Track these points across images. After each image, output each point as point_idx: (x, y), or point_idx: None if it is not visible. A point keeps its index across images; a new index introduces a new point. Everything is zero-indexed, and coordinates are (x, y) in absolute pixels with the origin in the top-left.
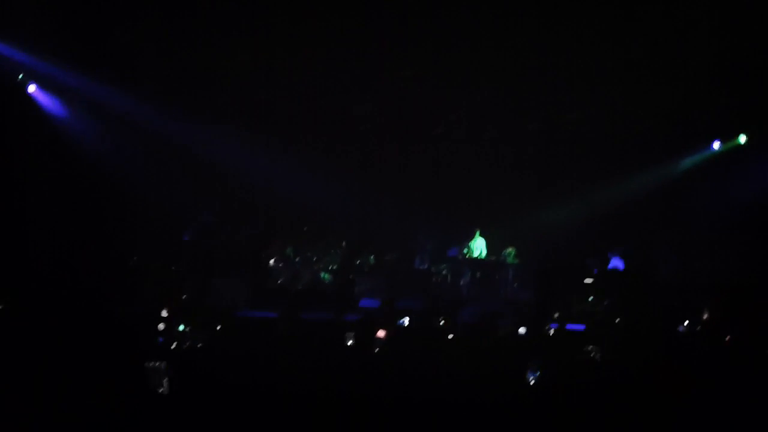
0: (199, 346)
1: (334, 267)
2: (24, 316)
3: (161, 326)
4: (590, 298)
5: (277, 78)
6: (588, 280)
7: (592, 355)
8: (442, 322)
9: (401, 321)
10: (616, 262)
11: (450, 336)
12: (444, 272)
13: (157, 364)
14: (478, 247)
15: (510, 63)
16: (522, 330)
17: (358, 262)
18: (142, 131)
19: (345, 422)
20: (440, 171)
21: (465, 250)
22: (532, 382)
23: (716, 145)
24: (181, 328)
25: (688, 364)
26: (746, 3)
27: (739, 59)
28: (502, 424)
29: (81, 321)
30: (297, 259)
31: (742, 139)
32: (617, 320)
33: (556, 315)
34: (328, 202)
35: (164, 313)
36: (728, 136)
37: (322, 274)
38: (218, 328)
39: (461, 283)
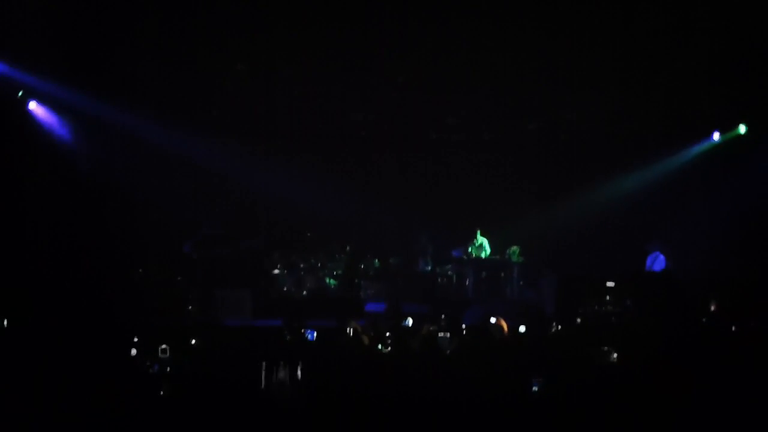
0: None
1: (339, 272)
2: (26, 330)
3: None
4: (608, 298)
5: (275, 87)
6: (609, 284)
7: (606, 356)
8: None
9: (405, 322)
10: (657, 257)
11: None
12: (449, 273)
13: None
14: (482, 246)
15: (506, 63)
16: (522, 328)
17: (362, 267)
18: (142, 143)
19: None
20: (440, 173)
21: (469, 250)
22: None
23: (716, 136)
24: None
25: (693, 366)
26: None
27: (736, 49)
28: (503, 425)
29: (85, 334)
30: (301, 266)
31: (742, 129)
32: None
33: (578, 320)
34: (330, 208)
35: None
36: (728, 127)
37: (327, 280)
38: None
39: (466, 283)
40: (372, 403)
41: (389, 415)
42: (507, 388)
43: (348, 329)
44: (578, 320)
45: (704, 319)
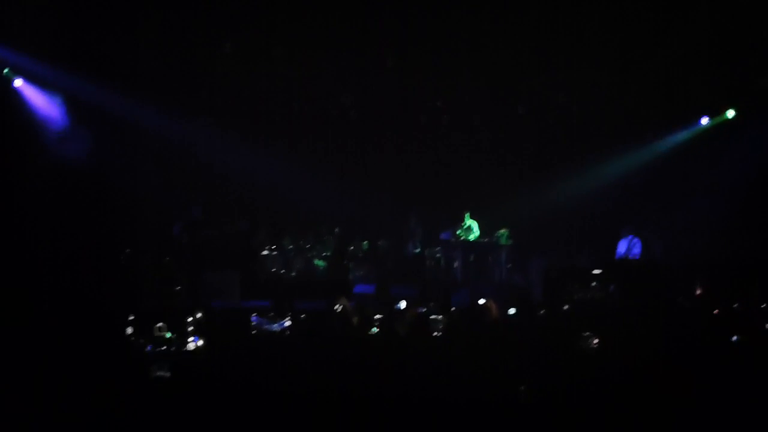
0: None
1: (328, 254)
2: (16, 314)
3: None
4: (593, 284)
5: (261, 71)
6: (596, 271)
7: (590, 342)
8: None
9: (397, 305)
10: (632, 241)
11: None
12: (437, 256)
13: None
14: (470, 229)
15: (495, 45)
16: (512, 311)
17: (351, 249)
18: (131, 126)
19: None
20: (429, 155)
21: (458, 232)
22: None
23: (704, 120)
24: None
25: (686, 361)
26: None
27: (726, 33)
28: (500, 420)
29: (75, 318)
30: (290, 248)
31: (730, 113)
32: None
33: (565, 307)
34: (319, 190)
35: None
36: (716, 112)
37: (315, 262)
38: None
39: (455, 266)
40: (362, 387)
41: (379, 397)
42: (497, 373)
43: (337, 307)
44: (565, 307)
45: (688, 304)
